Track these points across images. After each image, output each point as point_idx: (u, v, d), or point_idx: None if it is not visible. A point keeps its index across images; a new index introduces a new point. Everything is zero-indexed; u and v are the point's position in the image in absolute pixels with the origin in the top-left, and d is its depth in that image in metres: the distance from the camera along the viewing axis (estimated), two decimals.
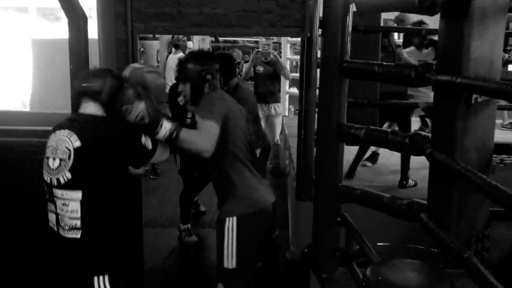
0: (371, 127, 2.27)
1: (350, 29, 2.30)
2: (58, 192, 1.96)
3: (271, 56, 6.24)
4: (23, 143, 3.02)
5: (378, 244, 2.60)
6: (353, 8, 2.35)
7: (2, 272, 2.92)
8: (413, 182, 4.28)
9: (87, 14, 2.93)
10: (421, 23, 4.33)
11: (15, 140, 3.12)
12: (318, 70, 3.53)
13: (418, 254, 2.52)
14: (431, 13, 1.84)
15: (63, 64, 2.91)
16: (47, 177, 2.00)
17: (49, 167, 1.97)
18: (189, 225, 4.53)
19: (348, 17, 2.28)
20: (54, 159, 1.96)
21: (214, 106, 2.35)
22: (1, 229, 2.91)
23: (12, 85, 4.60)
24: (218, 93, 2.51)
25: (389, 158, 4.78)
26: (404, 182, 4.24)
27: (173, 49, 7.24)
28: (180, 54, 6.56)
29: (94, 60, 3.13)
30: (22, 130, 3.15)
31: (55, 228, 2.01)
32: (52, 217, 2.03)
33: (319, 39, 3.40)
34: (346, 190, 2.41)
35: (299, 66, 9.31)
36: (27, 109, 4.24)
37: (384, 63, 2.18)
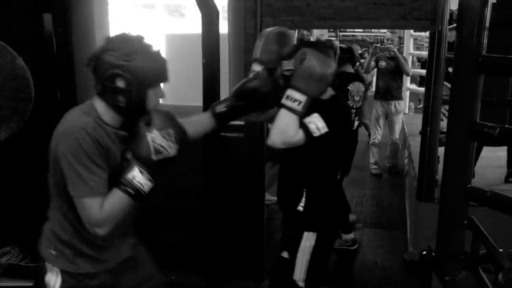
0: (507, 126, 2.14)
1: (488, 22, 2.18)
2: None
3: (391, 51, 6.09)
4: None
5: (507, 250, 2.46)
6: None
7: None
8: None
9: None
10: None
11: None
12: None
13: None
14: None
15: (194, 58, 3.05)
16: None
17: None
18: None
19: (486, 8, 2.16)
20: None
21: None
22: None
23: None
24: None
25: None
26: (511, 179, 4.10)
27: None
28: None
29: (224, 54, 3.26)
30: None
31: None
32: None
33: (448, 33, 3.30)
34: (475, 192, 2.30)
35: (421, 61, 9.04)
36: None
37: None
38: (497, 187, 4.02)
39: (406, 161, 5.52)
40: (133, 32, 1.82)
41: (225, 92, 3.27)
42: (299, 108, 1.99)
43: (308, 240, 2.27)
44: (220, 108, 2.16)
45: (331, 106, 2.19)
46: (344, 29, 10.45)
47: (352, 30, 10.68)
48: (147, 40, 1.80)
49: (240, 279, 3.54)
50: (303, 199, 2.28)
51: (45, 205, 1.93)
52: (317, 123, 2.05)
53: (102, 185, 1.69)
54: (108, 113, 1.79)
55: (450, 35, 4.95)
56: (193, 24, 3.11)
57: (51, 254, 1.87)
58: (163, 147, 1.73)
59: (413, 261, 3.75)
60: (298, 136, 2.04)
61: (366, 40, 11.53)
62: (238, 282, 3.54)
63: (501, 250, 2.14)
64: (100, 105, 1.79)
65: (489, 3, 2.20)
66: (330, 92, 2.24)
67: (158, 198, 2.72)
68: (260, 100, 2.14)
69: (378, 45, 6.45)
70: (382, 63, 6.13)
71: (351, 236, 4.22)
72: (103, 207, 1.67)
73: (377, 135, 6.36)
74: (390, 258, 3.99)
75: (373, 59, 6.31)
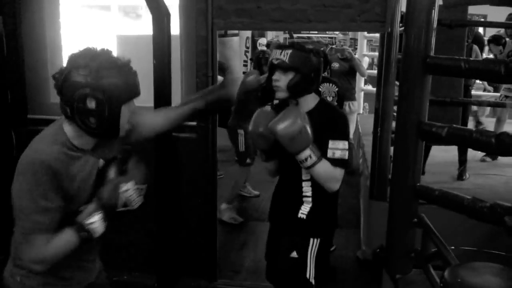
0: (454, 125, 2.19)
1: (435, 23, 2.23)
2: None
3: (346, 52, 6.16)
4: None
5: (457, 247, 2.52)
6: (439, 1, 2.28)
7: None
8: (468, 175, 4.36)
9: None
10: None
11: None
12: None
13: (497, 260, 2.42)
14: None
15: (146, 59, 3.01)
16: None
17: None
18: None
19: (433, 10, 2.21)
20: None
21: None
22: None
23: None
24: None
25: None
26: (464, 177, 4.33)
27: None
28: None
29: (175, 56, 3.23)
30: None
31: None
32: None
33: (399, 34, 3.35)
34: (424, 191, 2.35)
35: (376, 62, 9.18)
36: None
37: (471, 58, 2.09)
38: (450, 185, 4.14)
39: (360, 160, 5.59)
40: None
41: (177, 93, 3.24)
42: (313, 160, 2.17)
43: (314, 244, 2.40)
44: None
45: (331, 121, 2.30)
46: (299, 31, 10.52)
47: (307, 31, 10.75)
48: (114, 54, 1.66)
49: (193, 278, 3.53)
50: (304, 207, 2.39)
51: None
52: (338, 147, 2.24)
53: (53, 222, 1.59)
54: (79, 136, 1.66)
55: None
56: (149, 25, 3.07)
57: (16, 281, 1.72)
58: (132, 201, 1.69)
59: (366, 260, 3.80)
60: (338, 170, 2.25)
61: (322, 42, 11.63)
62: (190, 281, 3.52)
63: (452, 247, 2.20)
64: (69, 129, 1.65)
65: (436, 5, 2.25)
66: (314, 99, 2.35)
67: None
68: None
69: (334, 46, 6.49)
70: (335, 65, 6.19)
71: None
72: (49, 244, 1.58)
73: None
74: (343, 256, 4.03)
75: None
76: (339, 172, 2.27)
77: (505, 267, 1.71)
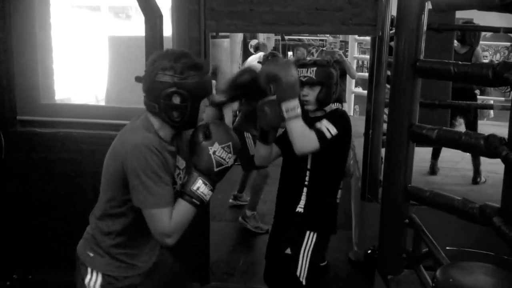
0: (444, 128, 2.22)
1: (425, 27, 2.26)
2: None
3: (337, 55, 6.20)
4: (100, 136, 3.20)
5: (448, 248, 2.55)
6: (428, 6, 2.31)
7: None
8: (485, 179, 4.39)
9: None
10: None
11: (92, 132, 3.30)
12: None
13: (487, 259, 2.45)
14: None
15: (138, 61, 3.01)
16: None
17: None
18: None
19: (423, 15, 2.24)
20: None
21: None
22: None
23: (86, 79, 4.79)
24: None
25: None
26: (479, 179, 4.35)
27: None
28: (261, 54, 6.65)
29: None
30: (98, 123, 3.32)
31: None
32: None
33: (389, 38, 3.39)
34: (415, 192, 2.37)
35: (366, 65, 9.26)
36: (100, 103, 4.41)
37: (460, 62, 2.12)
38: (441, 186, 4.17)
39: (351, 162, 5.62)
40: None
41: None
42: (298, 112, 2.13)
43: (310, 239, 2.44)
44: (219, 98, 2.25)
45: (334, 114, 2.42)
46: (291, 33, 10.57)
47: (298, 34, 10.81)
48: (191, 54, 1.86)
49: None
50: (302, 201, 2.46)
51: None
52: (327, 126, 2.27)
53: (169, 196, 1.78)
54: (163, 128, 1.86)
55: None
56: (140, 26, 3.07)
57: (88, 256, 1.94)
58: (223, 159, 1.85)
59: (358, 261, 3.83)
60: (314, 136, 2.23)
61: (312, 44, 11.68)
62: None
63: (443, 248, 2.22)
64: (155, 122, 1.86)
65: (426, 10, 2.28)
66: (332, 106, 2.52)
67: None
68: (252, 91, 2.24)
69: (324, 49, 6.54)
70: None
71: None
72: (172, 218, 1.76)
73: None
74: (335, 258, 4.05)
75: None
76: (314, 138, 2.22)
77: (495, 266, 1.73)
